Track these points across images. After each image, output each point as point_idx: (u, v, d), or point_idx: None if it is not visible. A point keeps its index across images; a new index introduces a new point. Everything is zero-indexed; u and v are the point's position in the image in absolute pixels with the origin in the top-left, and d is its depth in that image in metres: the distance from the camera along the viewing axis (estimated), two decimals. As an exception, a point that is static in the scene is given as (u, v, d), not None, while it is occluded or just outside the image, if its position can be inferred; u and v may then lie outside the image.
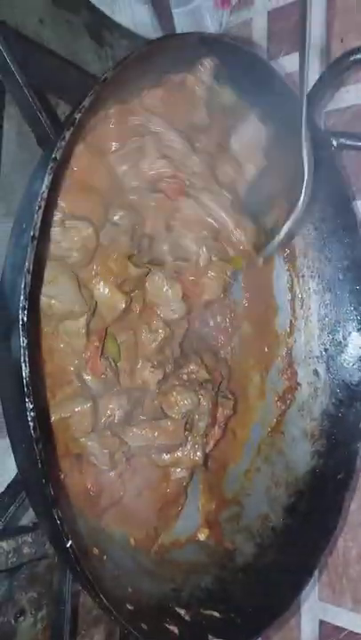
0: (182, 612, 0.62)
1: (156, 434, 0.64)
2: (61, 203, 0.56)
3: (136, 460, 0.66)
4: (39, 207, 0.41)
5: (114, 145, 0.61)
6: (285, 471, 0.80)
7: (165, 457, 0.68)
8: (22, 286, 0.41)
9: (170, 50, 0.57)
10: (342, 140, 0.75)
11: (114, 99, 0.59)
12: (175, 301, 0.65)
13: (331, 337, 0.81)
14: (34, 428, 0.40)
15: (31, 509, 0.66)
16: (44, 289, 0.54)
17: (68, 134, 0.43)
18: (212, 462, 0.77)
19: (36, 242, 0.41)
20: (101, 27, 0.91)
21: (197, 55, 0.63)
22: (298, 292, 0.83)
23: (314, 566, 0.71)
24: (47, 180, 0.42)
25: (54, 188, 0.46)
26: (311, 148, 0.60)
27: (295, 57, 0.93)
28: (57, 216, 0.54)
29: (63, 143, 0.43)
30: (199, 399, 0.68)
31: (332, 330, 0.81)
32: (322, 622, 0.88)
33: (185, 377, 0.69)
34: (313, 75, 0.88)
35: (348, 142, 0.75)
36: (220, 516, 0.78)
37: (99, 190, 0.59)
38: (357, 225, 0.77)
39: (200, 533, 0.76)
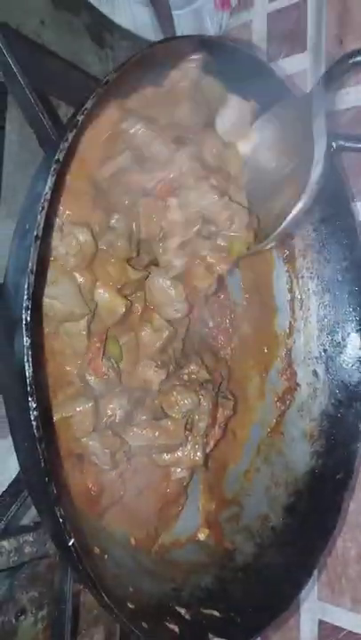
0: (183, 611, 0.62)
1: (156, 433, 0.64)
2: (61, 207, 0.56)
3: (137, 460, 0.66)
4: (42, 208, 0.41)
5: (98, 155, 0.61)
6: (285, 471, 0.80)
7: (166, 457, 0.68)
8: (26, 287, 0.41)
9: (171, 52, 0.57)
10: (341, 142, 0.75)
11: (115, 100, 0.59)
12: (178, 301, 0.65)
13: (330, 338, 0.82)
14: (37, 427, 0.41)
15: (32, 509, 0.66)
16: (46, 290, 0.54)
17: (70, 136, 0.43)
18: (212, 462, 0.78)
19: (39, 242, 0.41)
20: (102, 28, 0.91)
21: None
22: (297, 292, 0.83)
23: (313, 566, 0.71)
24: (50, 181, 0.42)
25: (57, 190, 0.46)
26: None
27: (295, 59, 0.95)
28: (55, 221, 0.55)
29: (66, 145, 0.43)
30: (200, 399, 0.68)
31: (332, 331, 0.81)
32: (321, 622, 0.88)
33: (185, 377, 0.69)
34: (312, 77, 0.89)
35: (348, 144, 0.75)
36: (220, 516, 0.78)
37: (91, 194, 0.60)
38: (356, 226, 0.77)
39: (200, 533, 0.76)
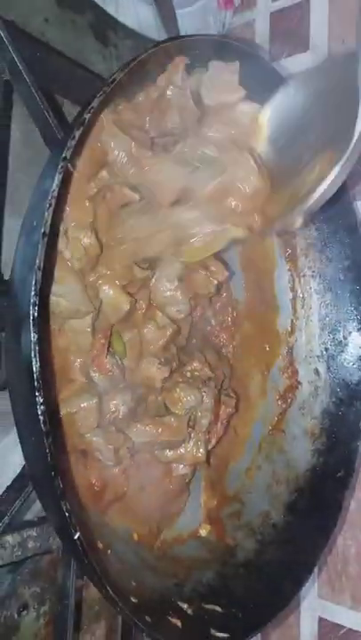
0: (185, 606, 0.63)
1: (159, 430, 0.65)
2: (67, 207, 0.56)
3: (139, 457, 0.67)
4: (50, 205, 0.42)
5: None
6: (286, 469, 0.80)
7: (168, 453, 0.68)
8: (33, 282, 0.41)
9: (176, 51, 0.57)
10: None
11: (120, 98, 0.59)
12: (182, 302, 0.66)
13: (331, 336, 0.82)
14: (44, 422, 0.41)
15: (35, 505, 0.67)
16: (52, 288, 0.54)
17: (78, 134, 0.44)
18: (214, 459, 0.78)
19: (46, 239, 0.42)
20: (106, 27, 0.91)
21: (201, 57, 0.63)
22: (299, 291, 0.84)
23: (314, 563, 0.71)
24: (58, 178, 0.42)
25: (64, 186, 0.47)
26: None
27: (297, 58, 0.95)
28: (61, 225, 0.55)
29: (73, 143, 0.43)
30: (202, 396, 0.69)
31: (333, 329, 0.82)
32: (321, 620, 0.88)
33: (188, 374, 0.70)
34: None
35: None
36: (222, 512, 0.78)
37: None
38: (358, 225, 0.77)
39: (202, 529, 0.76)
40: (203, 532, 0.76)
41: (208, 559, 0.73)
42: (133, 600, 0.55)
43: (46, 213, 0.42)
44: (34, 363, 0.41)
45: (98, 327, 0.59)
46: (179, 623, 0.59)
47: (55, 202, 0.42)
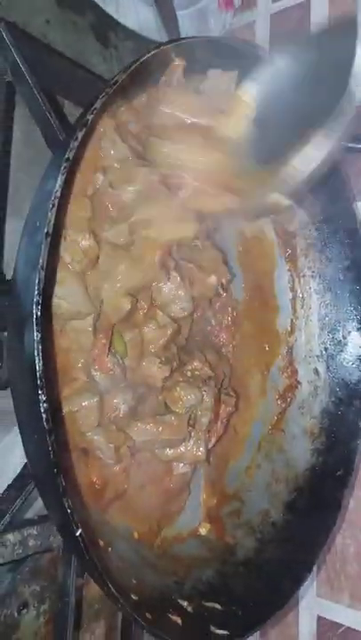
0: (185, 603, 0.63)
1: (160, 429, 0.65)
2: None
3: (140, 455, 0.67)
4: (53, 205, 0.42)
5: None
6: (286, 468, 0.81)
7: (169, 452, 0.68)
8: (36, 282, 0.42)
9: (178, 53, 0.58)
10: (343, 142, 0.76)
11: (121, 99, 0.60)
12: (186, 300, 0.66)
13: (331, 336, 0.82)
14: (46, 420, 0.41)
15: (36, 504, 0.67)
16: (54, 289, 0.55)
17: (80, 135, 0.44)
18: (214, 458, 0.78)
19: (49, 239, 0.42)
20: (107, 28, 0.92)
21: (203, 58, 0.63)
22: (299, 291, 0.84)
23: (313, 561, 0.71)
24: (60, 179, 0.43)
25: (67, 187, 0.47)
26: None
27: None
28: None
29: (76, 144, 0.44)
30: (202, 395, 0.69)
31: (333, 329, 0.82)
32: (320, 618, 0.89)
33: (189, 374, 0.70)
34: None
35: (350, 144, 0.76)
36: (222, 511, 0.79)
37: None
38: (358, 226, 0.78)
39: (202, 528, 0.76)
40: (203, 531, 0.76)
41: (208, 557, 0.73)
42: (134, 597, 0.55)
43: (49, 214, 0.42)
44: (37, 361, 0.41)
45: (99, 327, 0.60)
46: (179, 620, 0.59)
47: (58, 202, 0.43)
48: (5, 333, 0.57)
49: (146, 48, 0.53)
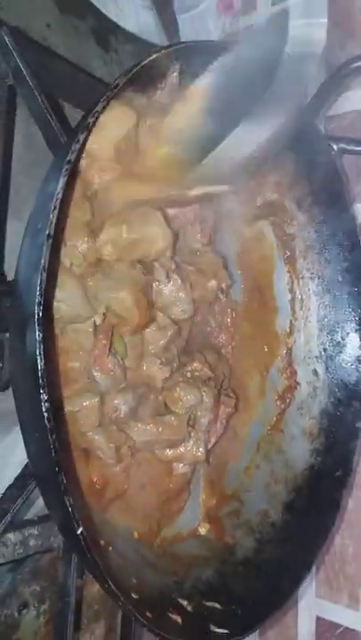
0: (185, 602, 0.63)
1: (160, 429, 0.65)
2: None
3: (140, 455, 0.68)
4: (54, 207, 0.43)
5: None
6: (284, 468, 0.81)
7: (168, 452, 0.69)
8: (38, 283, 0.42)
9: (179, 56, 0.58)
10: (342, 145, 0.76)
11: (122, 102, 0.60)
12: (187, 302, 0.67)
13: (330, 337, 0.82)
14: (48, 419, 0.42)
15: (36, 504, 0.67)
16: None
17: (82, 137, 0.45)
18: (214, 459, 0.78)
19: (51, 240, 0.43)
20: (107, 32, 0.92)
21: (202, 62, 0.64)
22: (298, 293, 0.84)
23: (312, 561, 0.72)
24: (62, 181, 0.43)
25: (69, 189, 0.48)
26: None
27: (296, 62, 0.95)
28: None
29: (77, 146, 0.44)
30: (202, 396, 0.69)
31: (331, 330, 0.82)
32: (318, 619, 0.89)
33: (189, 374, 0.70)
34: (315, 80, 0.90)
35: (349, 147, 0.77)
36: (221, 511, 0.79)
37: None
38: (357, 228, 0.78)
39: (201, 528, 0.77)
40: (202, 531, 0.76)
41: (207, 557, 0.73)
42: (134, 596, 0.56)
43: (51, 215, 0.43)
44: (39, 361, 0.42)
45: (99, 328, 0.60)
46: (179, 619, 0.60)
47: (60, 204, 0.43)
48: (6, 334, 0.58)
49: (147, 52, 0.53)
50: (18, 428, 0.55)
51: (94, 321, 0.59)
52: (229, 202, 0.81)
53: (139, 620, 0.51)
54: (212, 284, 0.74)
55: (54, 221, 0.43)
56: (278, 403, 0.84)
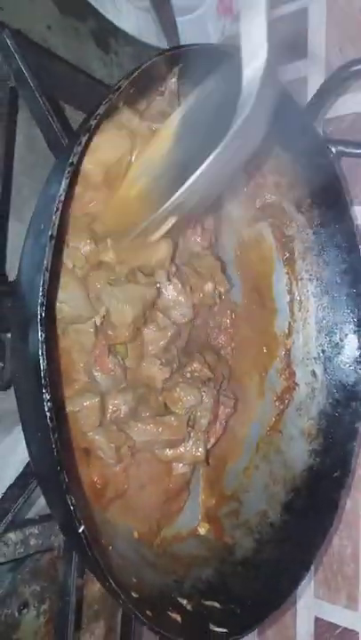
0: (184, 601, 0.64)
1: (160, 429, 0.66)
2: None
3: (140, 455, 0.68)
4: (57, 209, 0.43)
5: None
6: (283, 469, 0.81)
7: (168, 452, 0.69)
8: (41, 283, 0.43)
9: (180, 59, 0.58)
10: (341, 148, 0.77)
11: (124, 104, 0.60)
12: (187, 306, 0.67)
13: (328, 339, 0.83)
14: (50, 419, 0.42)
15: (37, 504, 0.68)
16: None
17: (84, 140, 0.45)
18: (213, 460, 0.79)
19: (54, 241, 0.43)
20: (107, 34, 0.92)
21: (202, 65, 0.64)
22: (296, 294, 0.84)
23: (310, 561, 0.72)
24: (65, 183, 0.44)
25: (71, 190, 0.48)
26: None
27: (295, 65, 0.96)
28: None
29: (80, 148, 0.45)
30: (202, 396, 0.70)
31: (330, 332, 0.82)
32: (317, 619, 0.89)
33: (188, 375, 0.71)
34: (313, 83, 0.91)
35: (347, 150, 0.77)
36: (220, 511, 0.79)
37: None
38: (355, 230, 0.78)
39: (201, 528, 0.77)
40: (201, 531, 0.77)
41: (207, 557, 0.74)
42: (134, 595, 0.56)
43: (54, 217, 0.43)
44: (41, 361, 0.42)
45: (100, 328, 0.61)
46: (178, 618, 0.60)
47: (62, 205, 0.44)
48: (8, 334, 0.58)
49: (148, 55, 0.53)
50: (18, 428, 0.55)
51: (95, 321, 0.60)
52: (228, 203, 0.82)
53: (139, 618, 0.51)
54: (209, 286, 0.74)
55: (57, 222, 0.43)
56: (277, 403, 0.84)
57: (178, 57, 0.58)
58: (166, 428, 0.66)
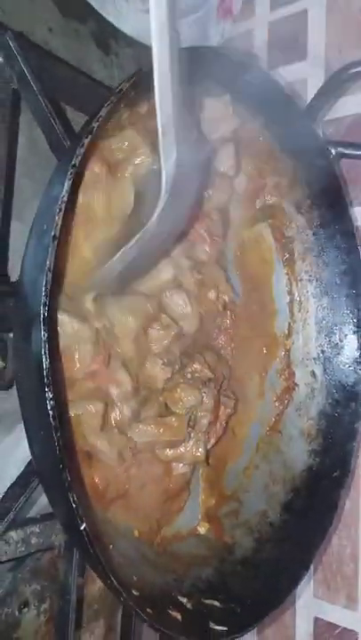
0: (184, 600, 0.64)
1: (161, 430, 0.66)
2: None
3: (141, 455, 0.68)
4: (60, 210, 0.44)
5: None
6: (283, 469, 0.82)
7: (169, 452, 0.69)
8: (44, 283, 0.43)
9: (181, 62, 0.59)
10: (340, 149, 0.77)
11: (125, 106, 0.61)
12: (193, 317, 0.68)
13: (328, 339, 0.83)
14: (53, 417, 0.43)
15: (38, 503, 0.68)
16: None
17: (87, 142, 0.46)
18: (213, 459, 0.79)
19: (56, 242, 0.44)
20: (107, 35, 0.93)
21: (205, 67, 0.64)
22: (296, 295, 0.85)
23: (310, 561, 0.72)
24: (67, 184, 0.44)
25: (73, 192, 0.49)
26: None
27: (295, 67, 0.96)
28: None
29: (82, 150, 0.45)
30: (202, 397, 0.70)
31: (329, 332, 0.83)
32: (316, 619, 0.89)
33: (189, 375, 0.71)
34: (313, 84, 0.91)
35: (347, 151, 0.77)
36: (220, 511, 0.79)
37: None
38: (354, 231, 0.79)
39: (200, 527, 0.77)
40: (201, 530, 0.77)
41: (207, 556, 0.74)
42: (135, 593, 0.56)
43: (57, 217, 0.44)
44: (44, 360, 0.43)
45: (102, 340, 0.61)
46: (179, 616, 0.60)
47: (65, 206, 0.44)
48: (10, 334, 0.59)
49: (147, 56, 0.54)
50: (20, 427, 0.55)
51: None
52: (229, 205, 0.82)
53: (140, 616, 0.52)
54: (214, 295, 0.74)
55: (60, 223, 0.44)
56: (277, 404, 0.85)
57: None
58: (167, 429, 0.66)
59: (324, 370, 0.83)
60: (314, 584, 0.89)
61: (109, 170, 0.61)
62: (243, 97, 0.71)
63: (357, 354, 0.80)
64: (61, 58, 0.82)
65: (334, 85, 0.78)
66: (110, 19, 0.89)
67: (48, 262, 0.43)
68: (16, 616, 0.71)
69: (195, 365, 0.72)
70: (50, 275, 0.43)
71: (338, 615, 0.87)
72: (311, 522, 0.76)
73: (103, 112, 0.47)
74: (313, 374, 0.83)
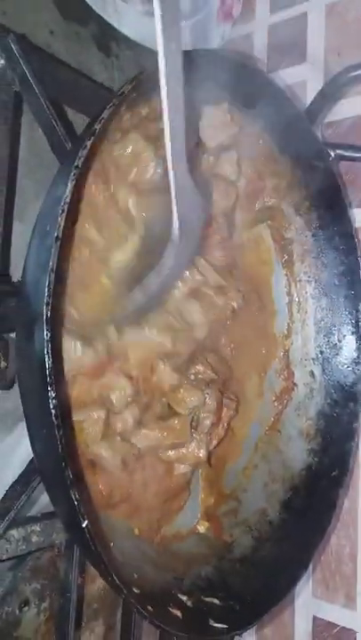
0: (184, 598, 0.64)
1: (165, 434, 0.66)
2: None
3: (144, 459, 0.68)
4: (62, 211, 0.44)
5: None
6: (282, 468, 0.82)
7: (171, 453, 0.69)
8: (46, 284, 0.43)
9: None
10: (339, 151, 0.77)
11: (127, 108, 0.61)
12: (204, 324, 0.68)
13: (326, 340, 0.83)
14: (55, 415, 0.43)
15: (39, 502, 0.68)
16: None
17: (89, 143, 0.46)
18: (213, 460, 0.78)
19: (59, 242, 0.44)
20: (108, 38, 0.93)
21: (205, 70, 0.65)
22: (295, 296, 0.85)
23: (309, 559, 0.72)
24: (70, 185, 0.45)
25: (76, 193, 0.49)
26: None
27: (295, 70, 0.97)
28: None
29: (85, 152, 0.46)
30: (205, 398, 0.70)
31: (328, 333, 0.83)
32: (315, 618, 0.89)
33: (192, 377, 0.71)
34: (313, 87, 0.92)
35: (346, 153, 0.78)
36: (219, 510, 0.80)
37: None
38: (353, 232, 0.79)
39: (200, 526, 0.77)
40: (201, 529, 0.77)
41: (206, 554, 0.74)
42: (136, 591, 0.57)
43: (59, 218, 0.44)
44: (47, 359, 0.43)
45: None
46: (179, 614, 0.60)
47: (67, 208, 0.44)
48: (11, 334, 0.59)
49: (148, 58, 0.54)
50: (20, 426, 0.56)
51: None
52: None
53: (141, 613, 0.52)
54: (223, 302, 0.75)
55: (62, 224, 0.44)
56: (276, 404, 0.85)
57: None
58: (170, 432, 0.66)
59: (323, 370, 0.83)
60: (313, 583, 0.89)
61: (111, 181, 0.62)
62: (242, 100, 0.72)
63: (356, 354, 0.81)
64: (63, 60, 0.82)
65: (334, 88, 0.78)
66: (111, 21, 0.90)
67: (51, 263, 0.44)
68: (16, 615, 0.71)
69: (197, 367, 0.72)
70: (53, 275, 0.44)
71: (336, 614, 0.87)
72: (310, 521, 0.76)
73: (105, 114, 0.47)
74: (312, 374, 0.84)
